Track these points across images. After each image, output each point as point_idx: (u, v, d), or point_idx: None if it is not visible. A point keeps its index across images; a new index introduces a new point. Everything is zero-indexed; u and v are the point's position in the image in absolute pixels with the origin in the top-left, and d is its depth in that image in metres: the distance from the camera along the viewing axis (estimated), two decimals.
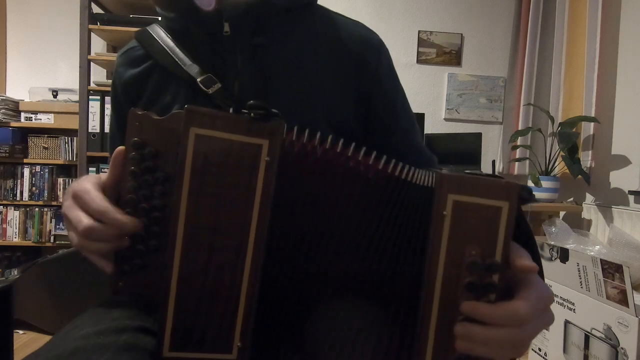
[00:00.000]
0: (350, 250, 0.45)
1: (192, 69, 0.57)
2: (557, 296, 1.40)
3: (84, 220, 0.43)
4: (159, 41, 0.60)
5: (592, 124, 2.24)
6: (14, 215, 2.19)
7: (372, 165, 0.44)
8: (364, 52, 0.62)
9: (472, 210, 0.39)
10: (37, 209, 2.19)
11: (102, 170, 2.08)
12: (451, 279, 0.40)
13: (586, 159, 2.27)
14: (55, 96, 2.26)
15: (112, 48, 2.31)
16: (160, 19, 0.64)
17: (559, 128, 2.19)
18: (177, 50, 0.59)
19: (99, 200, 0.43)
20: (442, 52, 2.57)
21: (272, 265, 0.46)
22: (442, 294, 0.40)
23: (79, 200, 0.44)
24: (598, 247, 1.70)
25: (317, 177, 0.45)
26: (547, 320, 0.40)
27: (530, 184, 2.17)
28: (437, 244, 0.40)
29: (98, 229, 0.43)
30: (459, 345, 0.39)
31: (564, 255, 1.35)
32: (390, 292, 0.44)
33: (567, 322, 1.35)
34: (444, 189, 0.39)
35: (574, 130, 2.16)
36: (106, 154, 2.01)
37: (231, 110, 0.44)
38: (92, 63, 2.07)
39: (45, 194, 2.19)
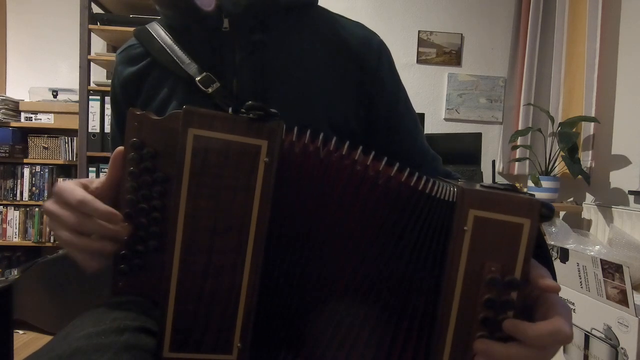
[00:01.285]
0: (356, 255, 0.45)
1: (191, 67, 0.57)
2: None
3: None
4: (158, 39, 0.60)
5: (592, 124, 2.24)
6: (14, 215, 2.19)
7: (383, 172, 0.44)
8: (364, 52, 0.62)
9: (493, 226, 0.39)
10: (37, 209, 2.19)
11: (102, 170, 2.08)
12: (469, 294, 0.39)
13: (586, 159, 2.27)
14: (55, 96, 2.26)
15: (112, 48, 2.31)
16: (160, 17, 0.64)
17: (559, 128, 2.19)
18: (176, 48, 0.59)
19: (79, 192, 0.43)
20: (442, 52, 2.57)
21: (273, 266, 0.46)
22: (460, 308, 0.40)
23: (59, 196, 0.44)
24: (598, 247, 1.70)
25: (320, 179, 0.45)
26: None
27: (530, 184, 2.17)
28: (457, 259, 0.39)
29: (83, 220, 0.42)
30: None
31: (564, 255, 1.35)
32: (399, 301, 0.44)
33: None
34: (466, 204, 0.39)
35: (574, 130, 2.16)
36: (106, 154, 2.01)
37: (230, 110, 0.44)
38: (92, 63, 2.07)
39: (45, 194, 2.19)
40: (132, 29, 0.64)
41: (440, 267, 0.41)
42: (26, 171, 2.19)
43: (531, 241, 0.38)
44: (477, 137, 2.44)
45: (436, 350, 0.41)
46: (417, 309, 0.44)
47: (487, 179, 2.42)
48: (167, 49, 0.59)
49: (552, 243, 1.48)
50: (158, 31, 0.61)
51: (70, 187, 0.44)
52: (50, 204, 0.45)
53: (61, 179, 2.21)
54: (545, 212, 0.39)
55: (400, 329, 0.44)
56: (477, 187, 0.41)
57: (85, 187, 0.45)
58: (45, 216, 0.47)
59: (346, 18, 0.66)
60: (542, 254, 0.43)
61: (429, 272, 0.43)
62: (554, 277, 0.44)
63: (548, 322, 0.37)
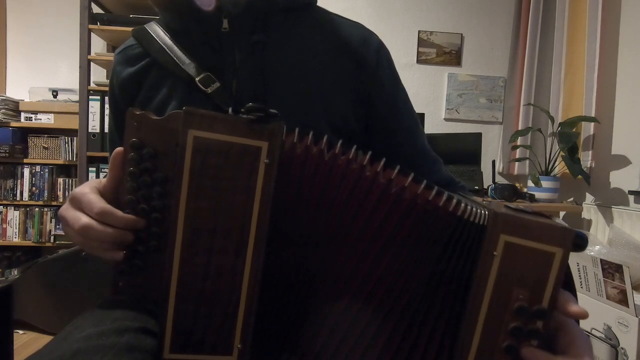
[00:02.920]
0: (365, 261, 0.44)
1: (190, 67, 0.57)
2: None
3: (83, 218, 0.43)
4: (157, 39, 0.60)
5: (592, 124, 2.23)
6: (14, 215, 2.19)
7: (395, 180, 0.42)
8: (363, 52, 0.62)
9: (524, 253, 0.38)
10: (37, 209, 2.19)
11: (102, 170, 2.08)
12: (494, 319, 0.39)
13: (586, 159, 2.27)
14: (55, 96, 2.26)
15: (112, 48, 2.31)
16: (159, 17, 0.64)
17: (559, 128, 2.19)
18: (176, 48, 0.59)
19: (101, 202, 0.43)
20: (442, 52, 2.57)
21: (274, 267, 0.45)
22: (483, 334, 0.39)
23: (77, 203, 0.44)
24: (598, 247, 1.70)
25: (325, 181, 0.44)
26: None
27: (530, 184, 2.17)
28: (483, 283, 0.38)
29: (96, 228, 0.43)
30: None
31: None
32: (415, 315, 0.43)
33: None
34: (497, 229, 0.38)
35: (574, 130, 2.16)
36: (106, 154, 2.01)
37: (230, 110, 0.44)
38: (92, 63, 2.07)
39: (45, 194, 2.19)
40: (132, 29, 0.64)
41: (465, 288, 0.40)
42: (26, 171, 2.19)
43: (562, 270, 0.37)
44: (477, 137, 2.44)
45: None
46: (436, 327, 0.42)
47: (487, 179, 2.42)
48: (167, 49, 0.59)
49: None
50: (157, 31, 0.61)
51: (87, 195, 0.44)
52: (66, 210, 0.45)
53: (61, 179, 2.21)
54: (579, 241, 0.37)
55: (417, 347, 0.43)
56: (504, 209, 0.40)
57: (99, 192, 0.45)
58: (62, 223, 0.47)
59: (344, 18, 0.66)
60: (565, 278, 0.42)
61: (451, 292, 0.41)
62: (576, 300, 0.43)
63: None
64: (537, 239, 0.37)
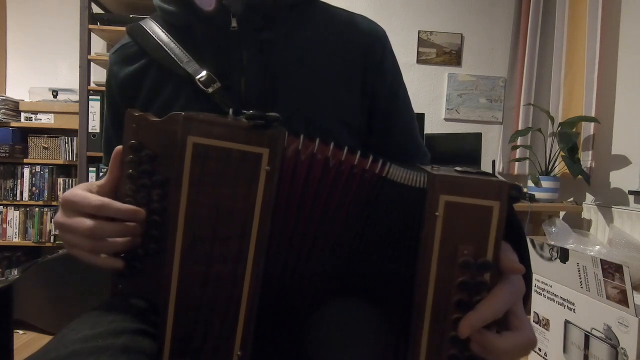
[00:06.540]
0: (346, 252, 0.44)
1: (191, 66, 0.55)
2: (557, 296, 1.40)
3: (87, 221, 0.42)
4: (154, 36, 0.58)
5: (592, 124, 2.23)
6: (14, 215, 2.19)
7: (359, 164, 0.43)
8: (369, 42, 0.62)
9: (464, 210, 0.39)
10: (37, 209, 2.19)
11: (102, 170, 2.08)
12: (444, 278, 0.39)
13: (586, 159, 2.27)
14: (55, 96, 2.26)
15: (112, 48, 2.31)
16: (155, 14, 0.62)
17: (559, 128, 2.19)
18: (173, 46, 0.57)
19: (94, 197, 0.42)
20: (442, 52, 2.57)
21: (275, 273, 0.45)
22: (435, 293, 0.40)
23: (70, 205, 0.43)
24: (598, 247, 1.70)
25: (329, 189, 0.43)
26: (519, 297, 0.40)
27: (530, 184, 2.17)
28: (430, 245, 0.39)
29: (105, 226, 0.42)
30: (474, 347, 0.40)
31: (564, 255, 1.35)
32: (384, 293, 0.44)
33: (567, 322, 1.35)
34: (436, 190, 0.39)
35: (574, 130, 2.16)
36: None
37: (230, 111, 0.43)
38: (92, 63, 2.07)
39: (45, 194, 2.20)
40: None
41: (414, 253, 0.41)
42: (26, 171, 2.19)
43: (501, 223, 0.39)
44: (477, 137, 2.44)
45: (414, 334, 0.40)
46: (397, 297, 0.43)
47: None
48: (164, 46, 0.57)
49: (552, 243, 1.48)
50: (153, 28, 0.59)
51: (80, 194, 0.43)
52: (61, 217, 0.44)
53: (61, 179, 2.21)
54: (514, 193, 0.39)
55: (385, 319, 0.43)
56: (450, 172, 0.41)
57: (90, 192, 0.44)
58: (58, 231, 0.45)
59: (348, 11, 0.65)
60: (514, 233, 0.43)
61: (404, 259, 0.42)
62: (527, 260, 0.44)
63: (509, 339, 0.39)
64: (475, 195, 0.39)
